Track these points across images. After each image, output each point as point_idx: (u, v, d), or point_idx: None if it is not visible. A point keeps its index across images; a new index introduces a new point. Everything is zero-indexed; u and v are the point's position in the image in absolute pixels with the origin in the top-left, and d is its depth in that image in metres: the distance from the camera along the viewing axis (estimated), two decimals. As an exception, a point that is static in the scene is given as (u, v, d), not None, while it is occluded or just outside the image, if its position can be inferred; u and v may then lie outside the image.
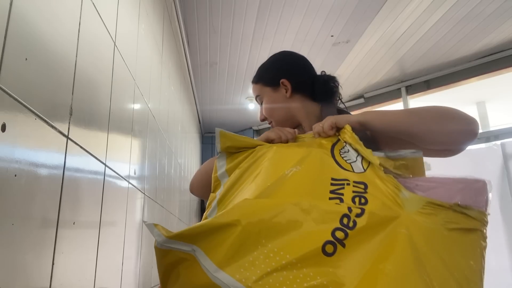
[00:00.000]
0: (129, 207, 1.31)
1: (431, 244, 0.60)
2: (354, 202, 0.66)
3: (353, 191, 0.68)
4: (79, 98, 0.85)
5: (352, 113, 1.02)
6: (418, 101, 3.74)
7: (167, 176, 2.23)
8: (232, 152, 0.89)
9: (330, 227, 0.61)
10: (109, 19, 1.10)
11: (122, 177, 1.23)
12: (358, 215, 0.62)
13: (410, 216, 0.63)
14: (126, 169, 1.29)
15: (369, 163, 0.75)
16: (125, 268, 1.26)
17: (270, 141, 0.90)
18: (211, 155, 5.11)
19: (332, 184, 0.71)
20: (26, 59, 0.63)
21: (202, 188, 0.99)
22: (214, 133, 0.90)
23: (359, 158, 0.77)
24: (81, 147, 0.87)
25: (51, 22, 0.73)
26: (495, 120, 4.12)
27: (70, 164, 0.80)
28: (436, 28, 2.76)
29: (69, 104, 0.80)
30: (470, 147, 0.82)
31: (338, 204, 0.66)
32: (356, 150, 0.78)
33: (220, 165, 0.89)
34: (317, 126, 0.84)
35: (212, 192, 0.87)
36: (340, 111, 1.01)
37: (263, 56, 3.06)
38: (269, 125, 1.09)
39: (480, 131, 4.03)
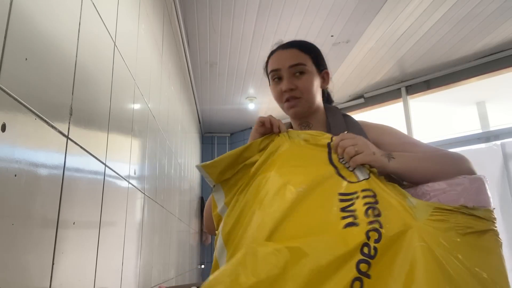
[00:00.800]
0: (129, 207, 1.31)
1: (452, 253, 0.59)
2: (367, 215, 0.64)
3: (364, 204, 0.66)
4: (79, 98, 0.85)
5: (351, 113, 1.04)
6: (418, 101, 3.74)
7: (167, 176, 2.23)
8: (226, 179, 0.83)
9: (353, 263, 0.58)
10: (109, 19, 1.10)
11: (122, 177, 1.23)
12: (376, 241, 0.60)
13: (423, 227, 0.62)
14: (126, 169, 1.29)
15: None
16: (125, 268, 1.26)
17: (261, 124, 0.85)
18: (211, 155, 5.11)
19: (341, 201, 0.68)
20: (26, 59, 0.63)
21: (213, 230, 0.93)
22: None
23: None
24: (81, 147, 0.87)
25: (51, 22, 0.73)
26: (495, 120, 4.12)
27: (70, 164, 0.80)
28: (436, 28, 2.76)
29: (69, 104, 0.80)
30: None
31: (352, 226, 0.63)
32: None
33: (218, 199, 0.83)
34: (349, 147, 0.76)
35: (217, 230, 0.82)
36: (345, 116, 1.03)
37: (263, 56, 3.05)
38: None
39: (480, 131, 4.03)
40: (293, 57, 0.99)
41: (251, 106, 4.21)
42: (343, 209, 0.67)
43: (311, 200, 0.69)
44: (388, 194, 0.68)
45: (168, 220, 2.27)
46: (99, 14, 1.00)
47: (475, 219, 0.62)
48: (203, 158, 5.05)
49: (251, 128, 5.29)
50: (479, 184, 0.68)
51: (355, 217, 0.64)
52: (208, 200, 0.93)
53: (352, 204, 0.67)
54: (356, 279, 0.57)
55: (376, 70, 3.48)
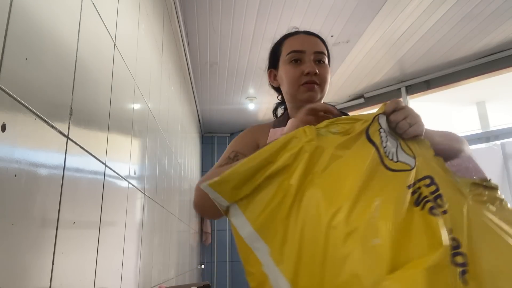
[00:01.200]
0: (129, 207, 1.31)
1: (500, 220, 0.66)
2: (438, 205, 0.62)
3: (430, 192, 0.64)
4: (79, 98, 0.85)
5: (350, 113, 1.04)
6: (418, 101, 3.74)
7: (167, 176, 2.23)
8: (244, 197, 0.64)
9: (448, 259, 0.56)
10: (109, 19, 1.10)
11: (122, 177, 1.23)
12: (450, 234, 0.59)
13: (471, 203, 0.67)
14: (126, 169, 1.29)
15: (410, 148, 0.72)
16: (125, 268, 1.26)
17: (314, 112, 0.80)
18: (211, 155, 5.10)
19: (412, 193, 0.63)
20: (26, 59, 0.63)
21: (210, 213, 0.93)
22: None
23: (398, 145, 0.71)
24: (81, 147, 0.87)
25: (51, 22, 0.73)
26: (495, 120, 4.12)
27: (70, 164, 0.80)
28: (436, 28, 2.76)
29: (69, 104, 0.80)
30: (470, 147, 0.89)
31: (438, 218, 0.60)
32: (391, 135, 0.72)
33: (241, 225, 0.63)
34: (401, 122, 0.73)
35: (250, 267, 0.64)
36: (344, 114, 1.03)
37: (263, 56, 3.06)
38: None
39: (480, 131, 4.04)
40: (318, 44, 1.00)
41: (251, 106, 4.21)
42: (416, 202, 0.62)
43: (393, 210, 0.61)
44: (441, 174, 0.69)
45: (168, 220, 2.27)
46: (99, 14, 1.00)
47: (495, 190, 0.71)
48: (203, 158, 5.05)
49: (251, 128, 5.28)
50: (473, 160, 0.76)
51: (438, 208, 0.62)
52: (199, 192, 0.88)
53: (421, 195, 0.63)
54: (461, 273, 0.57)
55: (376, 70, 3.48)
